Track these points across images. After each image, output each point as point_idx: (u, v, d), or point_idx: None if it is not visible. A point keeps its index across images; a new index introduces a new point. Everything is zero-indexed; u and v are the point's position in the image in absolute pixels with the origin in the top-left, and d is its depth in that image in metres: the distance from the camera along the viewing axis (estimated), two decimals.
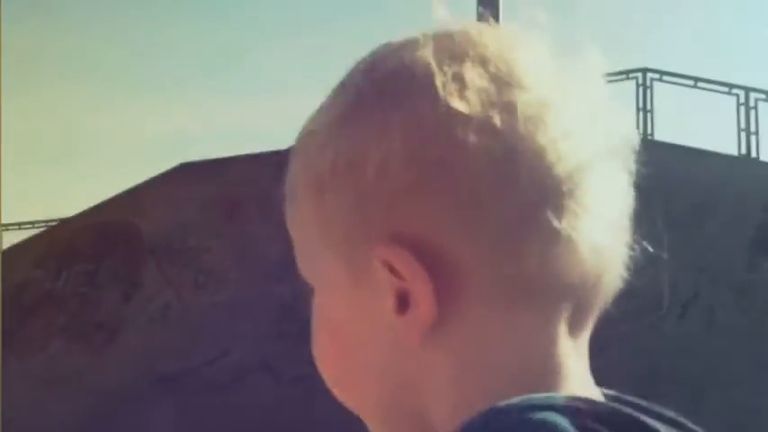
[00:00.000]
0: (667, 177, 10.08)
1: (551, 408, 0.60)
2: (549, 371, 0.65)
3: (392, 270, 0.64)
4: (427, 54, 0.65)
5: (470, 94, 0.63)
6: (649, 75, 14.47)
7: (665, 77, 14.46)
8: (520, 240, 0.63)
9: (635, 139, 0.70)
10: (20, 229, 15.32)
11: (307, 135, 0.70)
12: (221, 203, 11.77)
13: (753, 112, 13.17)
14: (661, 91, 14.33)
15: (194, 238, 11.62)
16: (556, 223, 0.63)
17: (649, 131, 13.79)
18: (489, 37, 0.67)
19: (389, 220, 0.64)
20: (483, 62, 0.65)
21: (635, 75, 14.42)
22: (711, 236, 9.64)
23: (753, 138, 12.85)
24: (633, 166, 0.69)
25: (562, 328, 0.66)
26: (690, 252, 9.49)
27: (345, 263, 0.66)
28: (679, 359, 8.93)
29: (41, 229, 13.38)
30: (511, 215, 0.63)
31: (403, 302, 0.64)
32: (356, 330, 0.67)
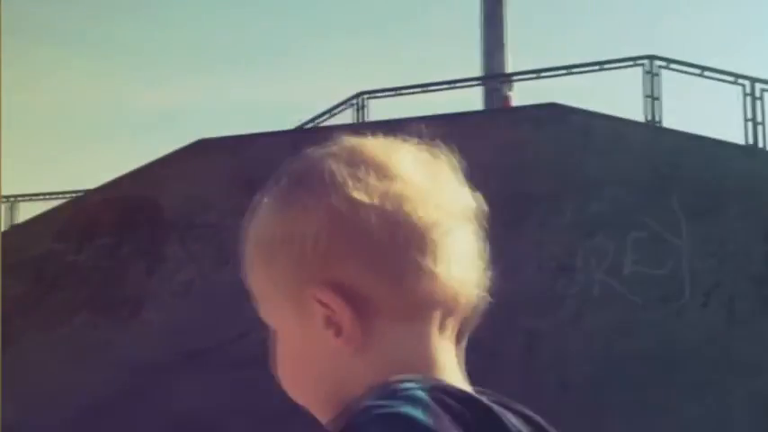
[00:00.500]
0: (681, 165, 10.18)
1: (418, 387, 0.88)
2: (430, 364, 0.95)
3: (324, 305, 0.93)
4: (333, 162, 0.96)
5: (361, 187, 0.94)
6: (656, 62, 14.43)
7: (672, 65, 14.44)
8: (403, 277, 0.94)
9: (477, 205, 1.00)
10: (32, 200, 15.24)
11: (255, 219, 0.99)
12: (239, 180, 11.73)
13: (759, 103, 13.23)
14: (668, 79, 14.33)
15: (215, 215, 11.58)
16: (423, 264, 0.94)
17: (657, 119, 13.84)
18: (372, 147, 0.99)
19: (318, 271, 0.93)
20: (367, 164, 0.95)
21: (642, 62, 14.41)
22: (729, 226, 9.74)
23: (759, 128, 12.93)
24: (479, 224, 1.00)
25: (436, 333, 0.96)
26: (710, 241, 9.62)
27: (293, 304, 0.95)
28: (702, 347, 9.06)
29: (60, 201, 13.30)
30: (396, 261, 0.93)
31: (335, 327, 0.94)
32: (303, 350, 0.96)
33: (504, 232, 9.89)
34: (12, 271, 12.07)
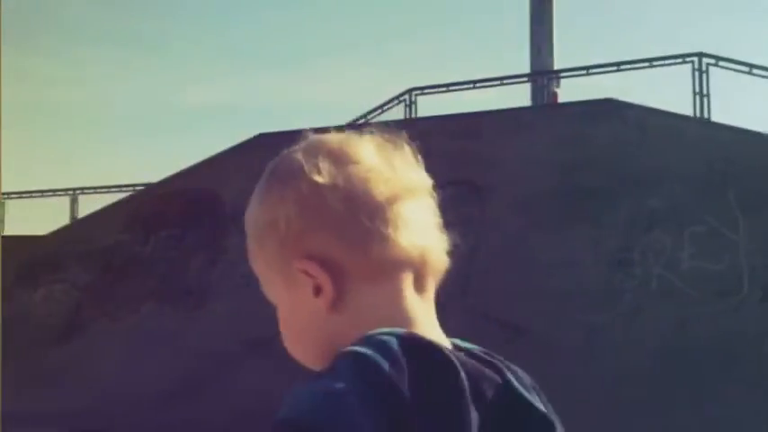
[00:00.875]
0: (736, 161, 10.18)
1: (393, 334, 1.03)
2: (402, 317, 1.09)
3: (306, 273, 1.10)
4: (299, 155, 1.13)
5: (321, 171, 1.10)
6: (705, 60, 14.40)
7: (720, 63, 14.40)
8: (368, 243, 1.09)
9: (430, 182, 1.15)
10: (95, 192, 15.51)
11: (247, 211, 1.17)
12: None
13: None
14: (716, 76, 14.28)
15: None
16: (384, 231, 1.09)
17: (706, 116, 13.81)
18: (331, 139, 1.15)
19: (298, 247, 1.10)
20: (326, 153, 1.12)
21: (691, 59, 14.39)
22: None
23: None
24: (433, 199, 1.15)
25: (409, 290, 1.10)
26: (767, 236, 9.62)
27: (283, 278, 1.12)
28: (760, 341, 9.07)
29: (123, 194, 13.52)
30: (359, 231, 1.09)
31: (317, 291, 1.10)
32: (295, 316, 1.12)
33: (561, 227, 9.99)
34: (80, 261, 12.30)
